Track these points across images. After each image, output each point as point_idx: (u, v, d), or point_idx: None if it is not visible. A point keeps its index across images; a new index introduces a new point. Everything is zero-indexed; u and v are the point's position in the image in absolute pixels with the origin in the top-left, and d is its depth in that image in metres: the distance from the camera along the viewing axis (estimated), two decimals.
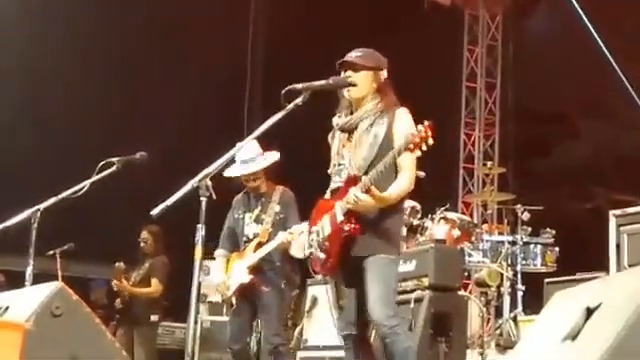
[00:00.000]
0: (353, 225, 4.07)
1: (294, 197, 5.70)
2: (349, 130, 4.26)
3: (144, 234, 7.85)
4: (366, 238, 4.09)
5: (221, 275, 5.75)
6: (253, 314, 5.70)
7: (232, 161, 5.66)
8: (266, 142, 5.64)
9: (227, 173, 5.76)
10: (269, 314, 5.60)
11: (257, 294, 5.60)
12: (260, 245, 5.61)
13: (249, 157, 5.69)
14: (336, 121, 4.35)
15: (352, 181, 4.10)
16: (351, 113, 4.29)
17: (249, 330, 5.70)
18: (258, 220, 5.69)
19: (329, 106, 4.43)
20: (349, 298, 4.22)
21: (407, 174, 4.14)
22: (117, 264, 7.71)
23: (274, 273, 5.62)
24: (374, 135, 4.13)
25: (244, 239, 5.71)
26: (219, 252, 5.85)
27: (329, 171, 4.33)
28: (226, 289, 5.65)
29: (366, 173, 4.05)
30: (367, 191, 3.98)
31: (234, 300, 5.66)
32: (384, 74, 4.30)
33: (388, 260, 4.10)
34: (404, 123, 4.17)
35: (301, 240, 4.38)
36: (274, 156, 5.76)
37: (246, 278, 5.56)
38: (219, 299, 5.79)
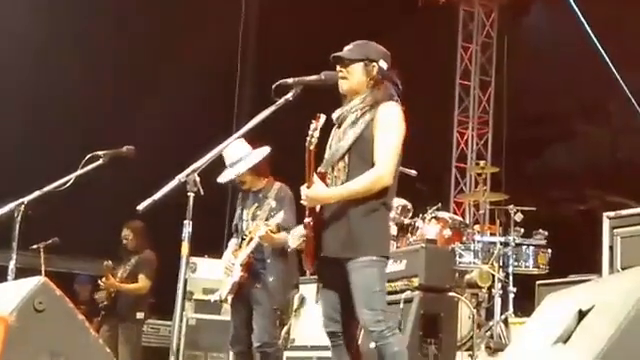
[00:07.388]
0: (310, 220, 4.03)
1: (291, 194, 5.55)
2: (339, 124, 4.18)
3: (125, 231, 7.75)
4: (342, 238, 3.98)
5: (229, 256, 5.68)
6: (250, 313, 5.59)
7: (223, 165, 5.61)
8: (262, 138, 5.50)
9: (219, 179, 5.69)
10: (258, 311, 5.52)
11: (250, 292, 5.54)
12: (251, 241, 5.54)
13: (235, 159, 5.59)
14: (333, 115, 4.25)
15: (320, 177, 4.04)
16: None
17: (249, 330, 5.56)
18: (254, 217, 5.62)
19: None
20: (329, 296, 4.14)
21: (373, 171, 3.98)
22: (105, 263, 7.59)
23: (264, 269, 5.55)
24: (354, 132, 4.00)
25: (242, 236, 5.64)
26: (232, 241, 5.81)
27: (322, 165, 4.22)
28: (231, 268, 5.57)
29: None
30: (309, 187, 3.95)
31: (229, 299, 5.59)
32: (378, 66, 4.12)
33: (369, 262, 3.95)
34: (383, 119, 4.02)
35: (298, 231, 4.28)
36: (260, 153, 5.63)
37: (237, 276, 5.52)
38: (217, 298, 5.68)
